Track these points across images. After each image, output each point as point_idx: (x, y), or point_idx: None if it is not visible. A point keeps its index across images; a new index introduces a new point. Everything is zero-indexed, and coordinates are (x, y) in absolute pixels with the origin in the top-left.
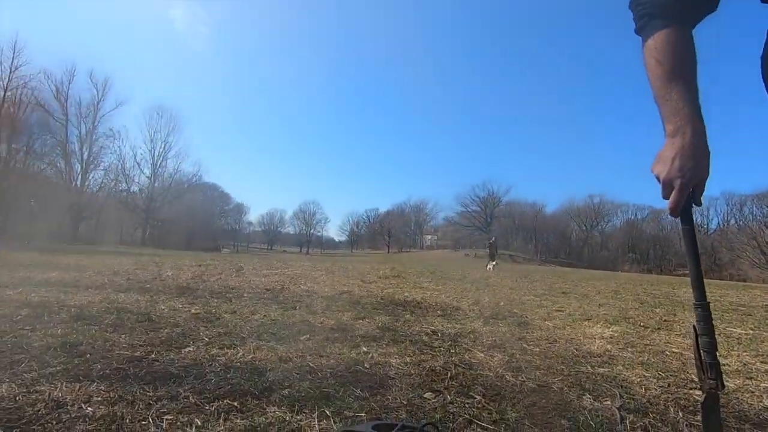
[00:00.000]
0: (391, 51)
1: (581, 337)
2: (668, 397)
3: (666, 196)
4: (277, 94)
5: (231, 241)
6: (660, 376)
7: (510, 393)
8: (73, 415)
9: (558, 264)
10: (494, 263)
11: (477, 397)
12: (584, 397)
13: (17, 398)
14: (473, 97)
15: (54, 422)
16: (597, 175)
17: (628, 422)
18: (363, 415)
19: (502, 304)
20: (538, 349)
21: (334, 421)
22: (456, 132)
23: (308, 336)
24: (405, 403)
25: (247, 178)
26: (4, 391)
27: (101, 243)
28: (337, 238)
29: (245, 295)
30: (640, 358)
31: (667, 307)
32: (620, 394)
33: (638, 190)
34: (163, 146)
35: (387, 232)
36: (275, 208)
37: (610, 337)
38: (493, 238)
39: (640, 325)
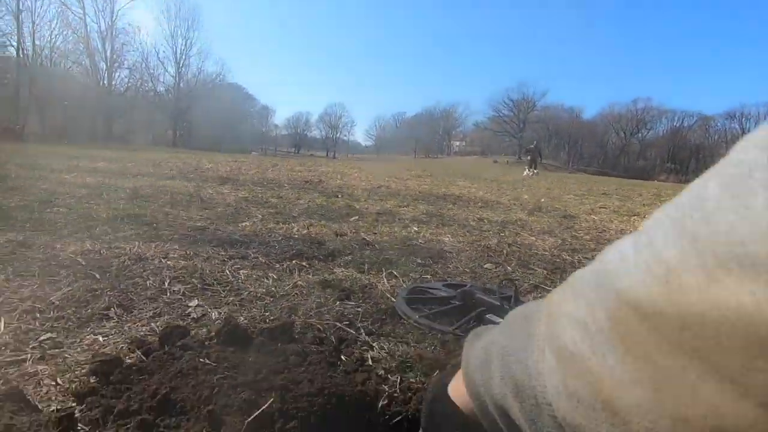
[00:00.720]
0: None
1: (631, 229)
2: None
3: None
4: None
5: (258, 144)
6: None
7: (570, 268)
8: (156, 265)
9: (591, 173)
10: (534, 171)
11: (537, 269)
12: None
13: (101, 251)
14: None
15: (140, 270)
16: (646, 77)
17: None
18: (428, 277)
19: (543, 200)
20: (588, 237)
21: (402, 281)
22: (489, 28)
23: (357, 218)
24: (467, 270)
25: (271, 79)
26: (88, 246)
27: (134, 143)
28: (363, 143)
29: (285, 185)
30: None
31: None
32: None
33: (690, 94)
34: (184, 42)
35: (414, 138)
36: (301, 110)
37: None
38: (535, 142)
39: None
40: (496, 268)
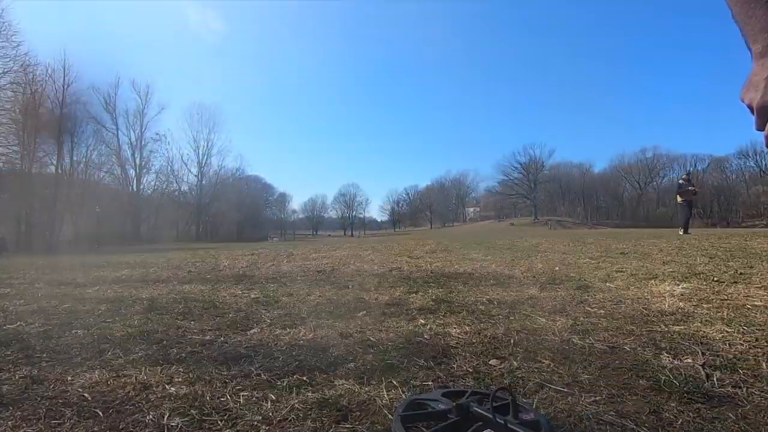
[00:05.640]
0: (417, 27)
1: (648, 296)
2: (758, 351)
3: (761, 126)
4: (305, 78)
5: (277, 229)
6: (745, 331)
7: (579, 356)
8: (159, 395)
9: (611, 226)
10: (684, 232)
11: (545, 361)
12: (661, 356)
13: (108, 382)
14: (503, 60)
15: (143, 402)
16: (649, 128)
17: (715, 379)
18: (430, 383)
19: (557, 269)
20: (602, 311)
21: (402, 391)
22: (491, 99)
23: (365, 312)
24: (471, 370)
25: (287, 167)
26: (96, 376)
27: (160, 241)
28: (378, 219)
29: (299, 278)
30: (719, 314)
31: (742, 259)
32: (702, 352)
33: (696, 139)
34: (206, 144)
35: (428, 208)
36: (317, 193)
37: (681, 295)
38: (686, 173)
39: (713, 280)
40: (501, 364)
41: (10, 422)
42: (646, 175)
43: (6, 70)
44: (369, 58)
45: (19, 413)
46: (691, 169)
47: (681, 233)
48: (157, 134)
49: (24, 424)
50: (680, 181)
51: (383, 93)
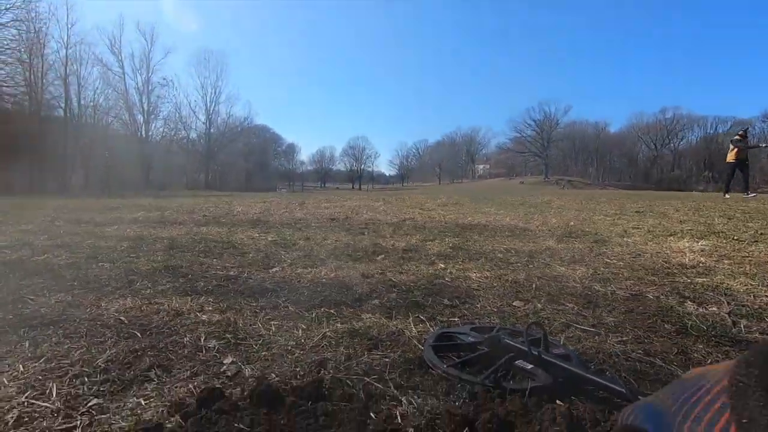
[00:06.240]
0: None
1: (668, 251)
2: None
3: None
4: (315, 24)
5: (286, 180)
6: None
7: (603, 301)
8: (192, 321)
9: (622, 187)
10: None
11: (568, 304)
12: (686, 304)
13: (142, 308)
14: (524, 10)
15: (178, 326)
16: (672, 86)
17: (742, 326)
18: (456, 320)
19: (572, 224)
20: (622, 263)
21: (429, 326)
22: (508, 49)
23: (383, 256)
24: (495, 310)
25: (295, 118)
26: (129, 303)
27: (170, 188)
28: (387, 173)
29: (313, 224)
30: (741, 269)
31: (761, 221)
32: (727, 302)
33: (721, 99)
34: (213, 91)
35: (438, 164)
36: (325, 145)
37: (701, 251)
38: (745, 128)
39: (733, 238)
40: (525, 305)
41: (54, 338)
42: (663, 136)
43: (8, 6)
44: (383, 4)
45: (61, 331)
46: (746, 127)
47: (726, 196)
48: (164, 79)
49: (68, 341)
50: (736, 137)
51: (397, 43)
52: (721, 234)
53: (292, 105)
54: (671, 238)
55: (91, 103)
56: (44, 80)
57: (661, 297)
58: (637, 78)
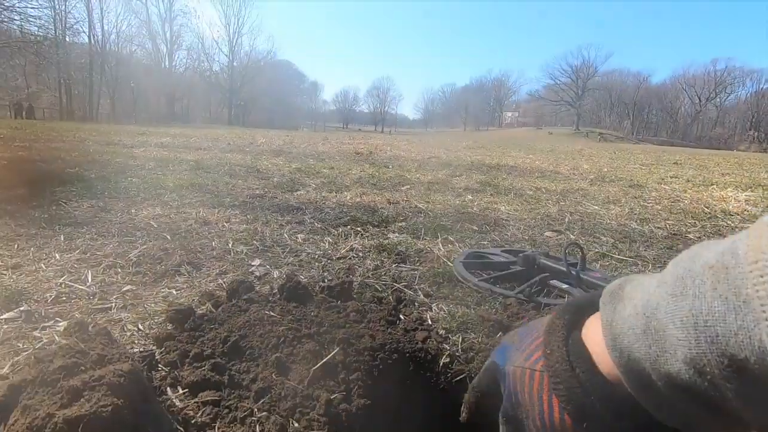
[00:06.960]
0: None
1: (709, 199)
2: None
3: None
4: None
5: (308, 120)
6: None
7: (640, 237)
8: (220, 228)
9: (657, 143)
10: None
11: (603, 237)
12: None
13: (170, 216)
14: None
15: (206, 232)
16: (726, 36)
17: None
18: (486, 243)
19: (605, 170)
20: (659, 206)
21: (458, 246)
22: None
23: (409, 187)
24: (526, 238)
25: (319, 53)
26: (158, 211)
27: (195, 121)
28: (411, 116)
29: (336, 157)
30: None
31: None
32: None
33: None
34: (236, 21)
35: (464, 109)
36: (349, 85)
37: (746, 200)
38: None
39: None
40: (557, 236)
41: (87, 236)
42: (710, 90)
43: None
44: None
45: (94, 230)
46: None
47: None
48: (186, 6)
49: (101, 239)
50: None
51: None
52: (767, 187)
53: (316, 41)
54: (713, 186)
55: (114, 30)
56: (66, 3)
57: (703, 237)
58: (690, 26)
